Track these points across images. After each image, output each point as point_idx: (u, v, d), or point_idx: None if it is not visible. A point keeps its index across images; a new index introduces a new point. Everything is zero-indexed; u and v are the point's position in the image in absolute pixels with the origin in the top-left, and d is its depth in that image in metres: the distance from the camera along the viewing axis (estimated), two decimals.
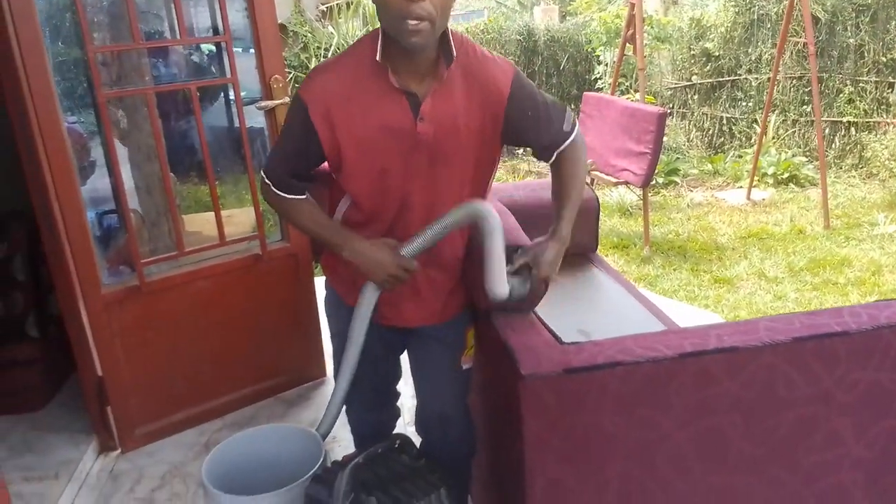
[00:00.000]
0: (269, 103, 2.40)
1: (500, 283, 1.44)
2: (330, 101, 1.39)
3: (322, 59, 6.00)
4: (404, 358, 1.81)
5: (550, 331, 1.52)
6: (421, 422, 1.77)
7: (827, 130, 5.84)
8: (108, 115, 2.27)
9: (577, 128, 1.57)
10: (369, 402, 1.83)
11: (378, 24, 1.40)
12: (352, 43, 1.57)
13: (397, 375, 1.85)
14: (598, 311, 2.40)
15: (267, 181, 1.53)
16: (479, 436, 1.78)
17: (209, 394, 2.57)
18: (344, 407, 1.76)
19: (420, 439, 1.79)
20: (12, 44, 2.00)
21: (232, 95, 2.47)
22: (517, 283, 1.48)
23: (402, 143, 1.41)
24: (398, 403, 1.95)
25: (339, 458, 1.71)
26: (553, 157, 1.55)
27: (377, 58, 1.37)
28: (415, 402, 1.80)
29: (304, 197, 1.53)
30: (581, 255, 2.80)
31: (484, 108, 1.44)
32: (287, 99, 2.43)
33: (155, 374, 2.43)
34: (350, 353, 1.60)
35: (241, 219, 3.14)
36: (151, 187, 2.77)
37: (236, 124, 2.59)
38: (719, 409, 1.38)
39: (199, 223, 3.11)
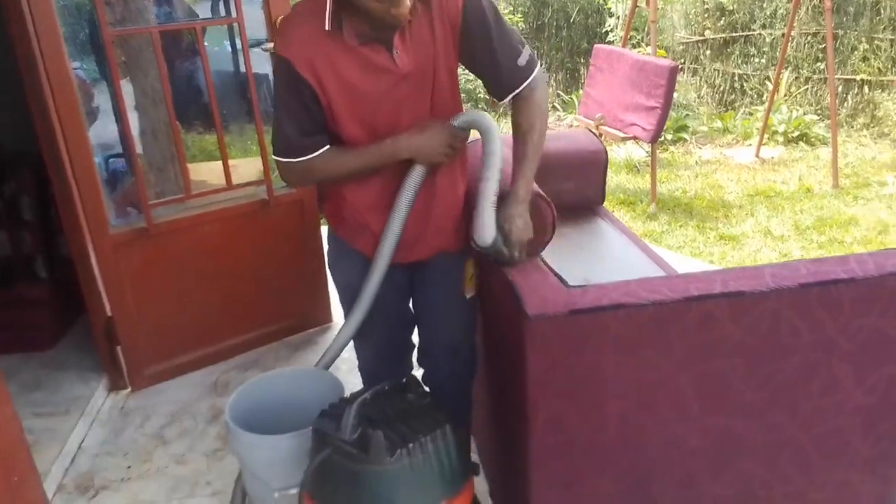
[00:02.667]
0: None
1: (489, 227, 1.45)
2: (309, 53, 1.39)
3: None
4: None
5: (556, 274, 1.53)
6: (427, 353, 1.79)
7: (840, 88, 5.74)
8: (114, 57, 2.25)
9: (537, 69, 1.53)
10: (384, 355, 1.81)
11: None
12: None
13: (411, 322, 1.81)
14: (604, 262, 2.41)
15: (285, 160, 1.49)
16: (480, 373, 1.81)
17: (217, 336, 2.62)
18: (358, 363, 1.81)
19: (422, 370, 1.82)
20: None
21: (234, 40, 2.45)
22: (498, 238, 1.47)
23: (384, 79, 1.43)
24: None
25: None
26: (508, 98, 1.52)
27: (326, 27, 1.36)
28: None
29: (327, 147, 1.48)
30: (587, 207, 2.80)
31: (443, 21, 1.44)
32: None
33: (164, 315, 2.47)
34: (374, 277, 1.58)
35: (245, 169, 3.13)
36: (157, 132, 2.76)
37: (241, 69, 2.56)
38: (721, 353, 1.40)
39: (205, 172, 3.11)
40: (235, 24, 2.38)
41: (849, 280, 1.39)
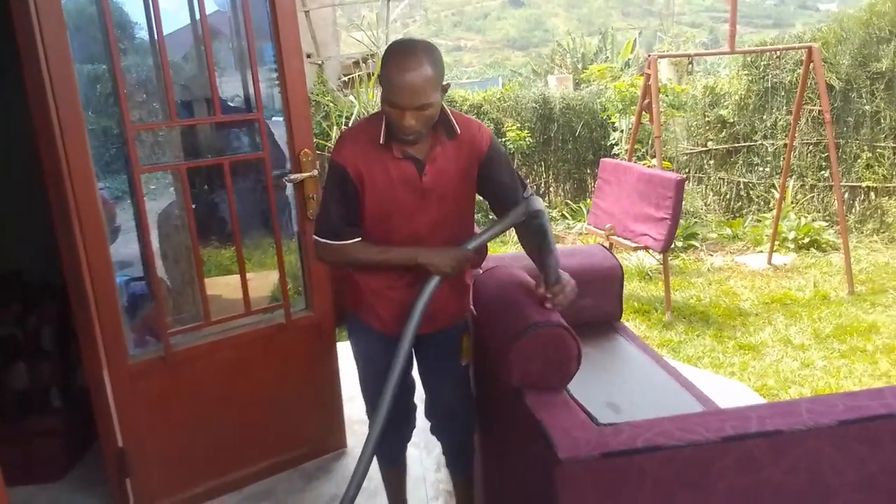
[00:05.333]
0: (298, 176, 2.44)
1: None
2: (358, 162, 1.75)
3: (343, 127, 6.15)
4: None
5: (583, 409, 1.49)
6: (431, 412, 2.09)
7: (846, 195, 5.83)
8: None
9: (536, 199, 1.89)
10: (397, 420, 2.00)
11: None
12: (369, 113, 1.93)
13: (414, 386, 2.09)
14: (626, 383, 2.36)
15: (323, 240, 1.82)
16: None
17: (229, 466, 2.54)
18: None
19: (429, 423, 2.11)
20: (52, 118, 2.05)
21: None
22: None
23: (410, 191, 1.79)
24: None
25: None
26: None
27: (381, 142, 1.74)
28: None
29: (360, 238, 1.82)
30: (605, 322, 2.78)
31: (469, 158, 1.83)
32: (315, 172, 2.47)
33: (177, 445, 2.40)
34: (395, 368, 1.80)
35: (259, 283, 3.16)
36: (178, 255, 2.81)
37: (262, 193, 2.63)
38: (765, 496, 1.34)
39: (220, 287, 3.13)
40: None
41: (887, 416, 1.35)
